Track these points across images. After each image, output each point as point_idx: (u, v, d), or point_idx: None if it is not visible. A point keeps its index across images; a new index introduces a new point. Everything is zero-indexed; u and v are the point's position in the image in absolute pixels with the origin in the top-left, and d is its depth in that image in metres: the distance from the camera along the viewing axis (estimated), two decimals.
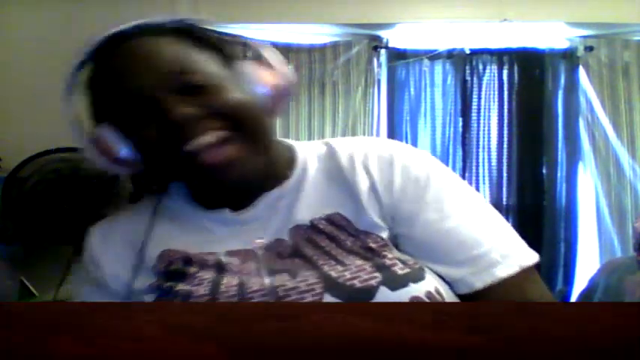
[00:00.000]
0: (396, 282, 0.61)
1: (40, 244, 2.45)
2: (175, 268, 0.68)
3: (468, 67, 2.74)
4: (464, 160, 2.75)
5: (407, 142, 2.70)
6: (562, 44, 2.76)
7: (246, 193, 0.70)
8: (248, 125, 0.66)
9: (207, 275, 0.66)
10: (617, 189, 2.70)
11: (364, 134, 2.71)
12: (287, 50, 2.56)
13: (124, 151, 0.68)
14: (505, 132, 2.76)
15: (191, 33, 0.70)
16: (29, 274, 2.46)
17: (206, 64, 0.67)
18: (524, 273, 0.65)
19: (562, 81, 2.76)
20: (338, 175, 0.70)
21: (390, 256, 0.64)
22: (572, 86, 2.75)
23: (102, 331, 0.41)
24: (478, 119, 2.77)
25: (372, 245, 0.65)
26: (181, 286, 0.65)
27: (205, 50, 0.69)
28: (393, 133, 2.78)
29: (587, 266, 2.63)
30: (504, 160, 2.76)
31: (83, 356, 0.38)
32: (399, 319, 0.43)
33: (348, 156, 0.71)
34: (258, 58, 0.71)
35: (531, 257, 0.67)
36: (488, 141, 2.77)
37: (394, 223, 0.67)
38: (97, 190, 2.32)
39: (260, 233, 0.69)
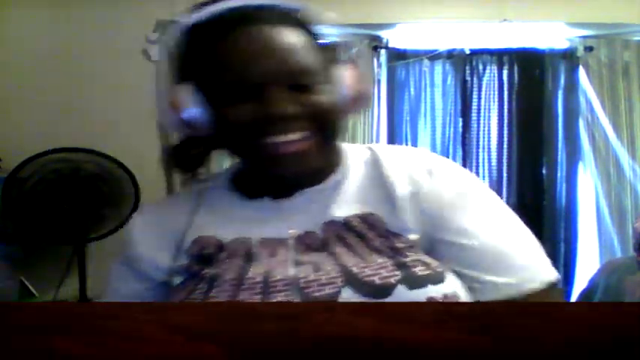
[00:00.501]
0: (414, 282, 0.64)
1: (40, 244, 2.45)
2: (207, 253, 0.70)
3: (468, 68, 2.74)
4: (464, 160, 2.75)
5: (407, 142, 2.70)
6: (562, 44, 2.76)
7: (292, 184, 0.73)
8: (330, 128, 0.69)
9: (236, 262, 0.69)
10: (617, 189, 2.70)
11: (364, 134, 2.72)
12: None
13: (195, 114, 0.68)
14: (505, 132, 2.76)
15: (307, 29, 0.71)
16: (29, 274, 2.47)
17: (316, 64, 0.69)
18: (548, 289, 0.69)
19: (562, 81, 2.76)
20: (379, 179, 0.73)
21: (413, 257, 0.67)
22: (572, 86, 2.75)
23: (102, 331, 0.41)
24: (478, 119, 2.77)
25: (399, 245, 0.68)
26: (209, 270, 0.68)
27: (316, 49, 0.70)
28: (393, 133, 2.78)
29: (587, 266, 2.63)
30: (504, 160, 2.76)
31: (83, 356, 0.38)
32: (399, 319, 0.43)
33: (392, 162, 0.74)
34: (352, 62, 0.73)
35: (553, 274, 0.71)
36: (488, 141, 2.77)
37: (429, 228, 0.70)
38: (97, 190, 2.32)
39: (295, 224, 0.71)
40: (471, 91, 2.76)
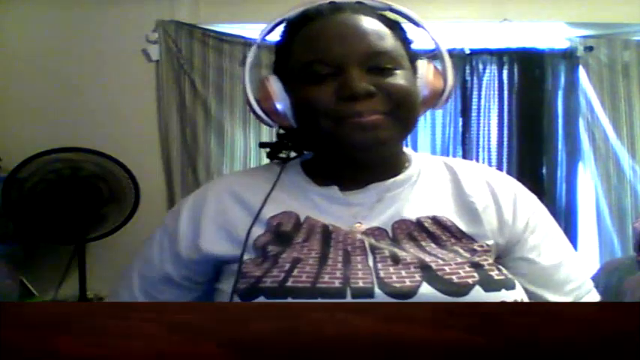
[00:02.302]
0: (490, 284, 0.66)
1: (40, 244, 2.45)
2: (285, 230, 0.72)
3: (467, 67, 2.74)
4: None
5: (407, 142, 2.70)
6: (562, 44, 2.76)
7: (360, 175, 0.76)
8: (403, 110, 0.72)
9: (315, 244, 0.70)
10: (617, 189, 2.70)
11: None
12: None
13: (281, 103, 0.74)
14: (505, 132, 2.76)
15: (392, 23, 0.76)
16: (29, 274, 2.46)
17: (396, 52, 0.73)
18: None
19: (562, 81, 2.76)
20: (456, 189, 0.77)
21: (489, 261, 0.70)
22: (572, 86, 2.75)
23: (102, 331, 0.41)
24: (478, 119, 2.76)
25: (476, 248, 0.71)
26: (289, 248, 0.70)
27: (399, 41, 0.75)
28: None
29: (587, 266, 2.63)
30: (504, 160, 2.76)
31: (84, 356, 0.38)
32: (399, 320, 0.43)
33: (468, 172, 0.79)
34: (440, 61, 0.78)
35: (592, 284, 0.80)
36: (488, 141, 2.77)
37: (503, 240, 0.74)
38: (97, 190, 2.32)
39: (361, 218, 0.73)
40: (471, 91, 2.76)
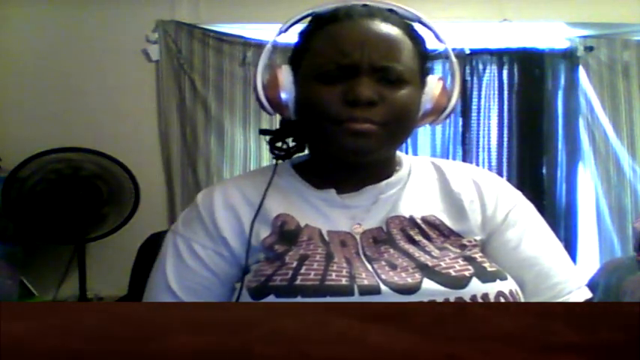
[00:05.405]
0: (486, 276, 0.69)
1: (40, 244, 2.45)
2: (289, 229, 0.74)
3: (467, 67, 2.74)
4: (464, 160, 2.75)
5: (407, 143, 2.70)
6: (562, 44, 2.76)
7: (354, 177, 0.78)
8: (399, 128, 0.74)
9: (319, 245, 0.72)
10: (617, 189, 2.70)
11: None
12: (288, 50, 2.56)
13: (286, 94, 0.75)
14: (505, 132, 2.76)
15: (414, 35, 0.77)
16: (29, 274, 2.47)
17: (410, 66, 0.74)
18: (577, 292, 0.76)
19: (562, 81, 2.76)
20: (445, 189, 0.79)
21: (480, 254, 0.73)
22: (572, 86, 2.75)
23: (113, 330, 0.41)
24: (478, 119, 2.77)
25: (465, 243, 0.74)
26: (296, 248, 0.71)
27: (416, 54, 0.76)
28: None
29: (587, 266, 2.63)
30: (504, 160, 2.76)
31: (94, 356, 0.38)
32: (398, 320, 0.43)
33: (455, 171, 0.81)
34: (452, 76, 0.79)
35: (581, 281, 0.77)
36: (488, 141, 2.77)
37: (485, 235, 0.76)
38: (97, 190, 2.32)
39: (359, 219, 0.76)
40: (471, 91, 2.76)
